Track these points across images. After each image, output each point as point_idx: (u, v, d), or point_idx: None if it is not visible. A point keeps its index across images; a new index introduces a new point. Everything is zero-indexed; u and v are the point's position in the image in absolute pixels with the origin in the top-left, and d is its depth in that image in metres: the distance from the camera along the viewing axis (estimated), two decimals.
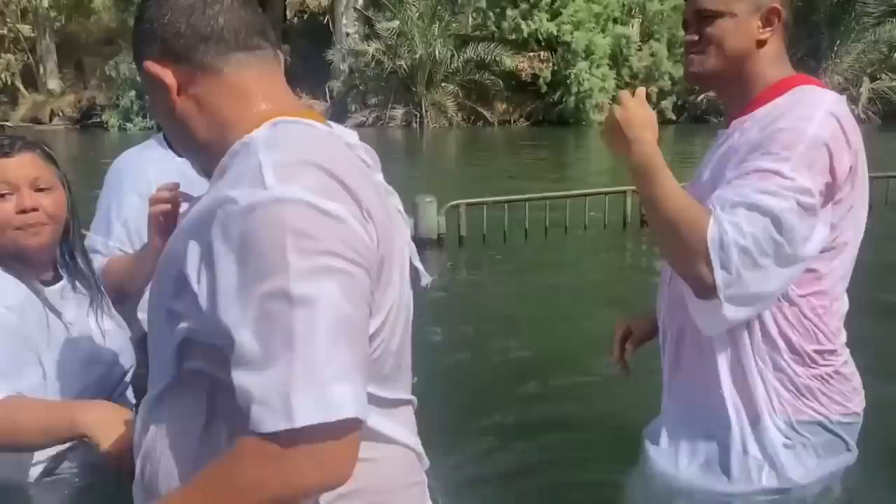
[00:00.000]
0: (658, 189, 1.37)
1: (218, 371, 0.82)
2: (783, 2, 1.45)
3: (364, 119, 24.48)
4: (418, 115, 24.55)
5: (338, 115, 25.12)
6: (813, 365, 1.41)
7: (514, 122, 25.80)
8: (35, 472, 1.67)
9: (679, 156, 13.91)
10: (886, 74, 25.96)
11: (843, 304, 1.48)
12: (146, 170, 2.13)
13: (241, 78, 0.95)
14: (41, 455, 1.65)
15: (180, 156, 1.09)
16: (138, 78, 1.04)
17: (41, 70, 28.53)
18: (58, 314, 1.71)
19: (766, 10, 1.43)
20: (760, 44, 1.44)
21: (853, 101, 26.03)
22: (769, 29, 1.43)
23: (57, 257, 1.78)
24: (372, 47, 24.24)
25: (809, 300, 1.40)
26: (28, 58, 28.72)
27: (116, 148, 1.95)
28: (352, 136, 1.00)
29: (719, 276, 1.30)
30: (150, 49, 0.96)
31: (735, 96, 1.48)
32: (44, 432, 1.51)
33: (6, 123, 27.14)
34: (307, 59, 27.13)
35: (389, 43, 24.25)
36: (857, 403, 1.49)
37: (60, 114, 27.66)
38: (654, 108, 1.45)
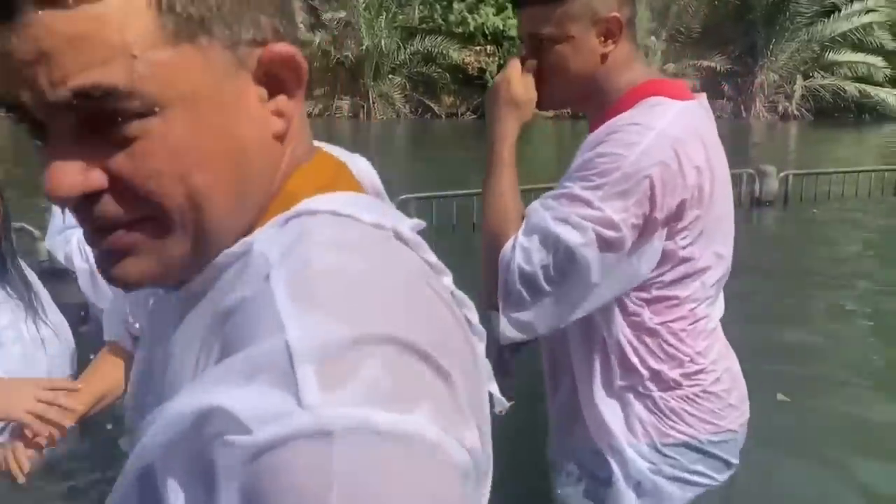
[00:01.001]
0: (490, 181, 1.34)
1: None
2: (622, 3, 1.29)
3: (310, 110, 24.26)
4: (365, 107, 24.49)
5: None
6: (677, 387, 1.34)
7: (462, 115, 25.94)
8: None
9: None
10: (818, 73, 26.95)
11: (711, 320, 1.40)
12: None
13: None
14: None
15: None
16: None
17: None
18: (20, 297, 1.70)
19: (603, 22, 1.28)
20: (605, 57, 1.31)
21: (787, 98, 26.98)
22: (612, 41, 1.30)
23: None
24: (318, 37, 24.05)
25: (669, 326, 1.32)
26: None
27: None
28: (399, 218, 0.59)
29: (500, 296, 1.27)
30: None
31: (590, 110, 1.39)
32: None
33: None
34: None
35: (335, 33, 24.11)
36: (733, 420, 1.40)
37: None
38: None
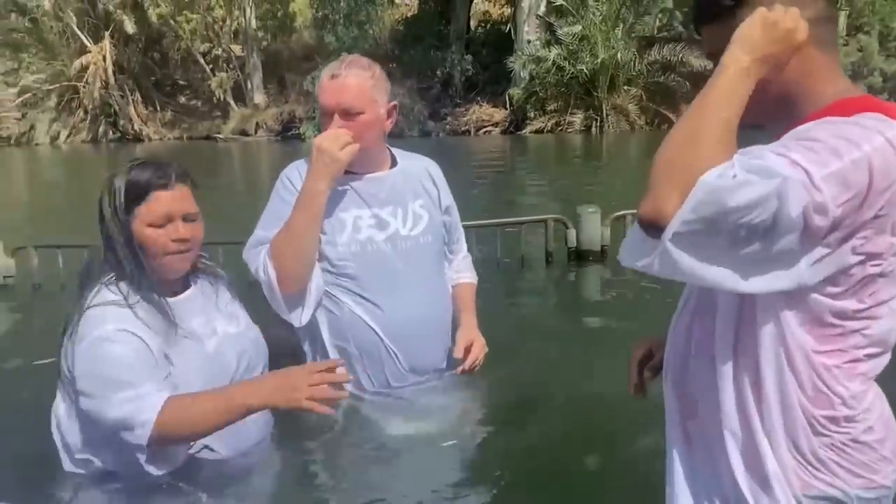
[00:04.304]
0: (704, 93, 1.14)
1: None
2: (804, 4, 1.17)
3: (542, 125, 24.41)
4: (598, 120, 24.10)
5: (517, 122, 25.27)
6: (824, 432, 1.20)
7: None
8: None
9: None
10: None
11: (878, 363, 1.24)
12: None
13: None
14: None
15: None
16: None
17: (248, 86, 31.22)
18: (177, 325, 1.84)
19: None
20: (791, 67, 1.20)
21: None
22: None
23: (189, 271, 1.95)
24: (553, 53, 24.11)
25: (825, 360, 1.19)
26: (238, 75, 31.53)
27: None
28: None
29: (679, 217, 1.05)
30: None
31: (779, 123, 1.24)
32: (217, 425, 1.74)
33: (218, 136, 29.99)
34: (488, 67, 27.53)
35: (571, 48, 24.01)
36: (886, 475, 1.24)
37: (264, 126, 30.07)
38: None
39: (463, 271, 2.60)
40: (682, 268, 1.08)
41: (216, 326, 1.93)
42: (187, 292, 1.93)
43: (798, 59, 1.19)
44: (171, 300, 1.86)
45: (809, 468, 1.21)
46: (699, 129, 1.10)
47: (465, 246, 2.65)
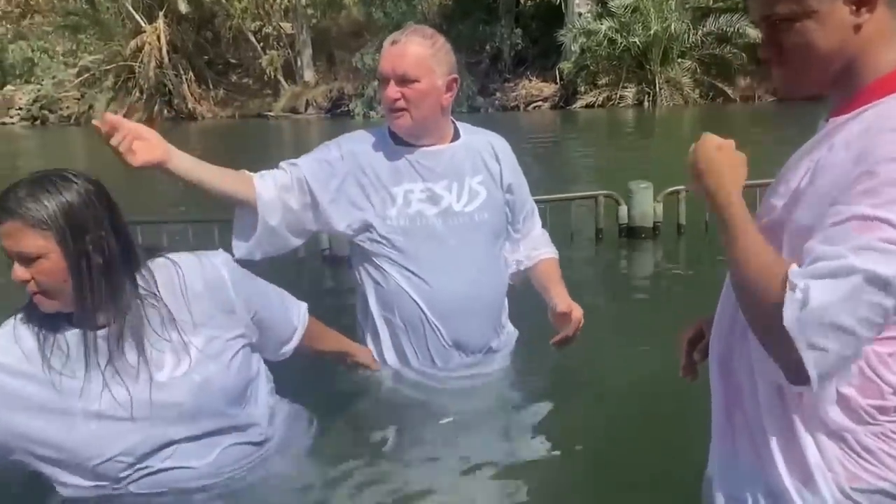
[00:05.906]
0: (734, 251, 1.13)
1: None
2: None
3: (593, 100, 24.01)
4: (651, 94, 23.59)
5: (567, 96, 24.92)
6: (872, 421, 1.16)
7: (759, 98, 23.84)
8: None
9: None
10: None
11: None
12: (371, 159, 2.30)
13: None
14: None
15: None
16: None
17: (298, 63, 31.39)
18: (94, 363, 1.63)
19: None
20: (858, 28, 1.13)
21: None
22: (866, 9, 1.12)
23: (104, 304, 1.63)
24: (604, 26, 23.62)
25: (875, 348, 1.13)
26: (288, 53, 31.72)
27: None
28: None
29: (809, 368, 1.02)
30: None
31: (838, 90, 1.20)
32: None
33: (269, 113, 30.30)
34: (538, 41, 27.14)
35: (623, 20, 23.49)
36: None
37: (314, 104, 30.23)
38: None
39: (541, 247, 2.57)
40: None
41: (139, 373, 1.65)
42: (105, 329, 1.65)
43: (872, 20, 1.13)
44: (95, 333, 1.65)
45: (856, 457, 1.17)
46: (759, 288, 1.08)
47: (538, 223, 2.61)
